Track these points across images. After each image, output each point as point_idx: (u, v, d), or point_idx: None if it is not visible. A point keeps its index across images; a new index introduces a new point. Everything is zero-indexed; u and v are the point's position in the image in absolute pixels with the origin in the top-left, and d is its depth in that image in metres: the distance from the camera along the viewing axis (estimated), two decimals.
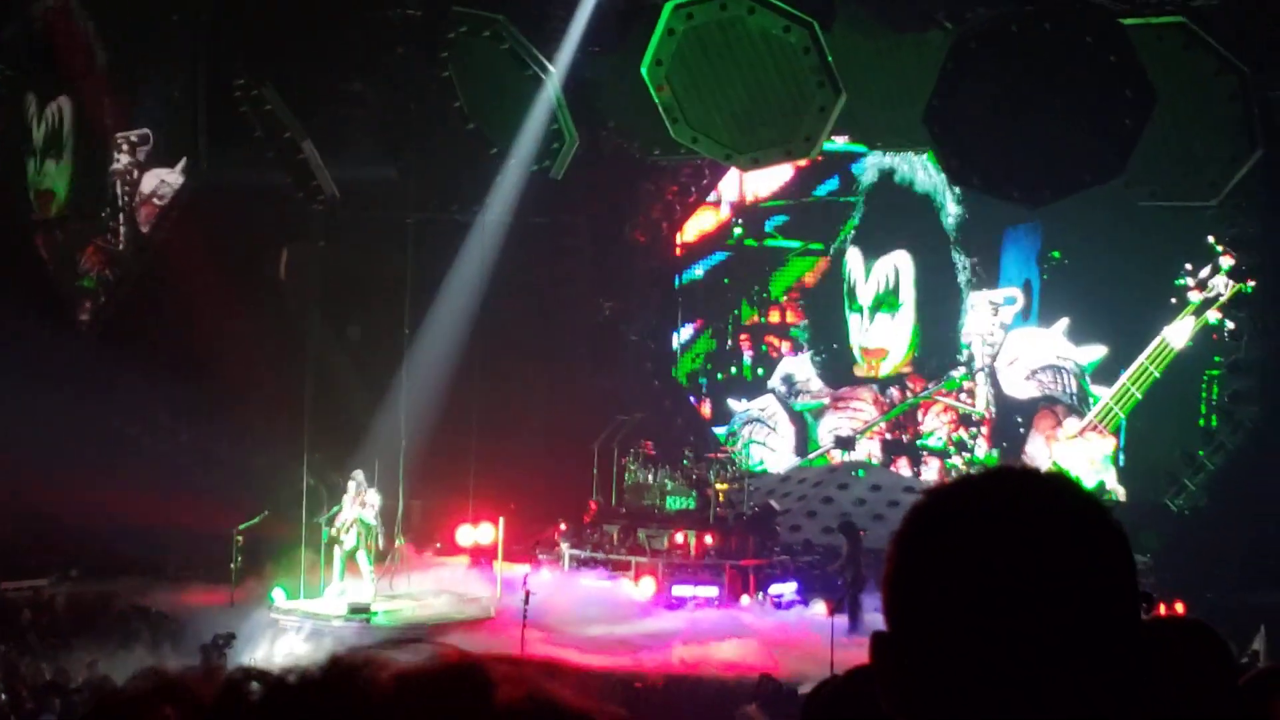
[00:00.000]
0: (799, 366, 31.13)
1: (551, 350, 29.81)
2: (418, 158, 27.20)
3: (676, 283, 31.89)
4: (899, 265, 29.73)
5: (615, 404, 28.60)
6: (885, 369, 30.12)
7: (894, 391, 30.30)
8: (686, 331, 31.97)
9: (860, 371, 30.41)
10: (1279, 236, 25.82)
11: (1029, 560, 1.69)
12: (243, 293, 27.86)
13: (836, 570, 23.56)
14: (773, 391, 31.14)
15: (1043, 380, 29.28)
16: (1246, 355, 26.69)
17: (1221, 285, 26.99)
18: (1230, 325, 26.91)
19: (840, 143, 28.59)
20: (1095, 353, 28.64)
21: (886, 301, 29.92)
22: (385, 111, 27.16)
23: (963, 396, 29.85)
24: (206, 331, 26.53)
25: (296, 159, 27.33)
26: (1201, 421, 27.79)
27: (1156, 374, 27.79)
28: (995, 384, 29.58)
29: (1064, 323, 28.82)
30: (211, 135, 28.95)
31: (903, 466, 29.84)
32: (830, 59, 22.82)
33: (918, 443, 29.97)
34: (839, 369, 30.65)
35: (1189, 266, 27.36)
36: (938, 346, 29.76)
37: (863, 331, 30.20)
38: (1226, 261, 26.91)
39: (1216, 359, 27.38)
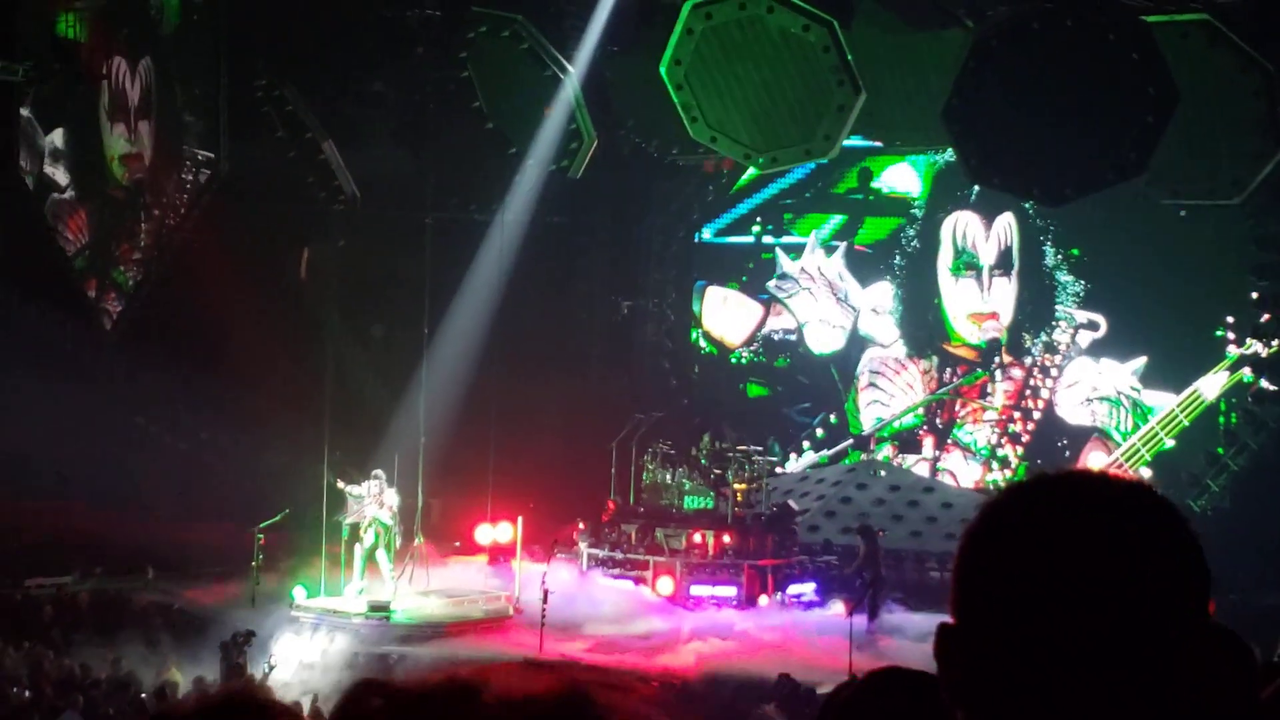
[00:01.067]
0: (885, 299, 30.83)
1: (570, 349, 29.81)
2: (437, 157, 27.22)
3: (696, 238, 31.76)
4: (1011, 225, 29.43)
5: (633, 403, 28.59)
6: (991, 335, 29.73)
7: (947, 371, 30.13)
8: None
9: (953, 343, 30.00)
10: None
11: (1091, 565, 1.71)
12: (263, 291, 27.91)
13: (854, 571, 23.51)
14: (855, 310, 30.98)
15: (1096, 411, 29.00)
16: (1271, 355, 26.55)
17: (1260, 345, 26.77)
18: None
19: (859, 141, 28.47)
20: (1164, 399, 28.29)
21: (1005, 261, 29.55)
22: (405, 111, 27.19)
23: (992, 397, 29.75)
24: (227, 330, 26.58)
25: (317, 159, 27.41)
26: (1221, 420, 27.70)
27: (1186, 423, 27.59)
28: (1050, 404, 29.31)
29: (1140, 361, 28.46)
30: (233, 134, 29.00)
31: (927, 446, 29.66)
32: (850, 57, 22.78)
33: (953, 429, 29.83)
34: (920, 340, 30.34)
35: (1230, 320, 27.24)
36: (1036, 318, 29.41)
37: (980, 295, 29.74)
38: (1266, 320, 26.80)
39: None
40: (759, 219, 31.60)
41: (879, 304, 30.75)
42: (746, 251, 31.81)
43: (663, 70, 23.18)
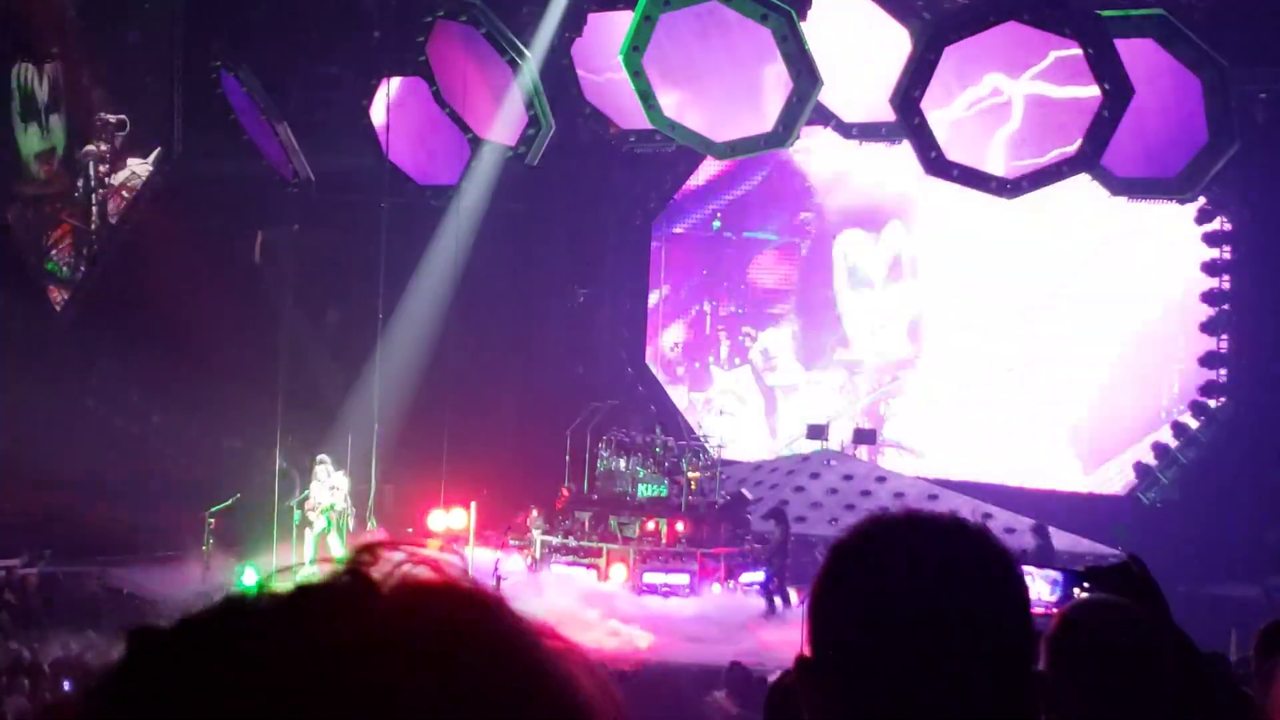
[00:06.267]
0: (776, 341, 31.09)
1: (525, 336, 29.78)
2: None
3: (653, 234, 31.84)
4: (898, 233, 29.63)
5: (588, 391, 28.58)
6: (889, 345, 29.95)
7: (859, 378, 30.32)
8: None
9: (847, 354, 30.26)
10: (1254, 231, 25.84)
11: (931, 600, 1.87)
12: (217, 276, 27.77)
13: (766, 557, 23.62)
14: (750, 364, 31.16)
15: None
16: (1220, 348, 26.73)
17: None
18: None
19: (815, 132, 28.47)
20: None
21: (897, 268, 29.76)
22: (361, 95, 27.07)
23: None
24: (181, 314, 26.43)
25: (272, 142, 27.25)
26: (1164, 414, 27.87)
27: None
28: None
29: None
30: (187, 118, 28.81)
31: (862, 453, 29.79)
32: (807, 47, 22.80)
33: (881, 433, 29.96)
34: (813, 349, 30.60)
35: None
36: (938, 315, 29.61)
37: (872, 308, 29.99)
38: None
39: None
40: (719, 212, 31.59)
41: (769, 345, 30.96)
42: (704, 242, 31.82)
43: (622, 57, 23.14)
